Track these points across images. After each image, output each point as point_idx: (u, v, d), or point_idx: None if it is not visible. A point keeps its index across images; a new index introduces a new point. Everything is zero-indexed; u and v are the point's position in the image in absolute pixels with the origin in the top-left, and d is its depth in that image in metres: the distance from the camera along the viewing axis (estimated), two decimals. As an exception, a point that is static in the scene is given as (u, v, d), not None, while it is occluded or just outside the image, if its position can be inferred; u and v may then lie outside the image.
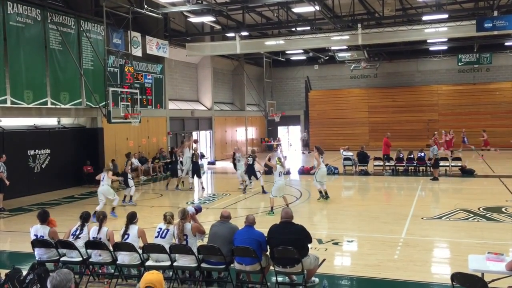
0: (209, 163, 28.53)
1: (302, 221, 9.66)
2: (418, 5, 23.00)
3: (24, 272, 6.96)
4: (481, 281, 5.55)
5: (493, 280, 6.33)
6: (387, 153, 21.65)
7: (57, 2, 18.38)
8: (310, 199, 15.54)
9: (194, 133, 28.58)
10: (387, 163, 21.70)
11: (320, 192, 14.90)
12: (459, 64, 32.36)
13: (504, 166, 21.77)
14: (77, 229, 7.76)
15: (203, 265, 7.18)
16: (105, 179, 13.12)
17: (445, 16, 21.82)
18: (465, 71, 33.86)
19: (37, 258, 7.68)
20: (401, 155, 21.44)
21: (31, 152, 17.53)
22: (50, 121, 19.08)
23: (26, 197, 16.66)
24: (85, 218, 7.87)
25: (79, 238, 7.63)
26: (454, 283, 5.67)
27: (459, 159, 21.03)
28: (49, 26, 16.98)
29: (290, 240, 6.79)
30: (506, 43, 30.63)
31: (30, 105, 16.36)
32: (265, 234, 7.12)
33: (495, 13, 19.57)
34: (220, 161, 29.42)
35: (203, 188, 17.96)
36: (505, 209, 12.89)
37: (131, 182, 15.06)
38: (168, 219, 7.55)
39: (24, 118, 17.41)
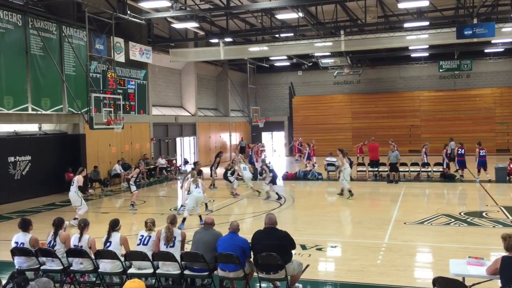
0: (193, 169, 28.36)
1: (286, 226, 9.67)
2: (399, 13, 23.31)
3: (4, 281, 6.83)
4: (462, 286, 5.61)
5: (473, 284, 6.42)
6: (375, 159, 21.66)
7: (39, 8, 18.18)
8: (294, 205, 15.57)
9: (178, 139, 28.54)
10: (370, 169, 21.83)
11: (350, 190, 16.07)
12: (440, 70, 32.84)
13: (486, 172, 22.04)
14: (51, 239, 7.62)
15: (186, 272, 7.13)
16: (75, 183, 13.12)
17: (426, 23, 22.16)
18: (446, 78, 34.39)
19: (17, 267, 7.54)
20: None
21: (11, 159, 17.24)
22: (31, 127, 18.82)
23: (6, 205, 16.37)
24: (58, 225, 7.72)
25: (55, 250, 7.48)
26: (435, 287, 5.72)
27: (440, 164, 21.27)
28: (30, 32, 16.79)
29: (274, 246, 6.78)
30: (486, 50, 31.24)
31: (10, 111, 16.12)
32: (249, 240, 7.10)
33: (475, 21, 19.92)
34: (204, 167, 29.29)
35: None
36: (486, 214, 13.09)
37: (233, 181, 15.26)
38: (149, 226, 7.50)
39: (4, 124, 17.14)
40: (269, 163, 17.42)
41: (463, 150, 19.97)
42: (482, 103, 33.51)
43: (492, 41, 26.33)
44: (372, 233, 11.34)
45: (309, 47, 24.88)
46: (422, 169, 21.15)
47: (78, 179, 13.21)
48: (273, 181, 16.28)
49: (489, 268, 5.92)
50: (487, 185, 18.70)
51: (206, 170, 21.31)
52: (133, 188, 15.73)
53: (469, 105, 33.64)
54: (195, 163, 16.18)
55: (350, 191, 16.15)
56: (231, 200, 16.60)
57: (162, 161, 24.66)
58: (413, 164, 21.67)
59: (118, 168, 21.52)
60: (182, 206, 14.56)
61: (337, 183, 20.90)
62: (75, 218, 12.78)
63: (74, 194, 13.13)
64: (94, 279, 7.62)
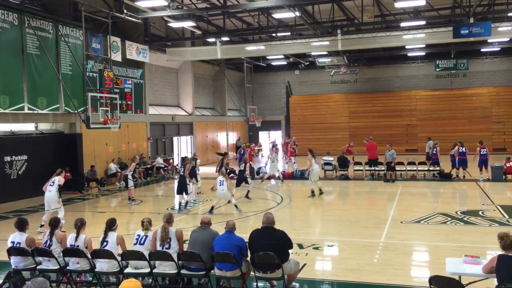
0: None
1: (283, 226, 9.67)
2: (396, 12, 23.35)
3: (0, 281, 6.81)
4: (458, 284, 5.63)
5: (470, 283, 6.42)
6: (373, 158, 21.62)
7: (35, 7, 18.13)
8: (291, 204, 15.59)
9: (175, 138, 28.56)
10: (367, 168, 21.84)
11: (312, 191, 16.20)
12: (437, 69, 32.91)
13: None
14: (47, 239, 7.60)
15: (183, 271, 7.12)
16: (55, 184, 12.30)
17: (423, 22, 22.20)
18: (442, 77, 34.46)
19: (13, 267, 7.52)
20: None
21: (7, 159, 17.19)
22: (27, 127, 18.77)
23: (3, 204, 16.34)
24: (54, 225, 7.71)
25: (51, 250, 7.45)
26: (432, 286, 5.73)
27: (432, 163, 21.29)
28: (27, 31, 16.74)
29: (271, 245, 6.79)
30: (482, 49, 31.34)
31: (7, 111, 16.08)
32: (246, 239, 7.11)
33: (471, 20, 19.97)
34: (201, 166, 29.25)
35: None
36: (482, 213, 13.12)
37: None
38: (145, 226, 7.49)
39: (0, 123, 17.08)
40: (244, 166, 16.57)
41: (463, 148, 19.94)
42: (479, 102, 33.62)
43: (489, 41, 26.41)
44: (369, 232, 11.36)
45: (306, 46, 24.89)
46: (419, 168, 21.21)
47: (59, 179, 12.40)
48: (237, 183, 15.89)
49: (485, 266, 5.93)
50: (484, 184, 18.75)
51: (202, 170, 21.38)
52: (130, 183, 15.72)
53: (465, 104, 33.74)
54: (183, 159, 16.25)
55: (313, 192, 16.29)
56: (224, 201, 16.55)
57: (160, 160, 24.65)
58: (409, 163, 21.70)
59: (114, 167, 21.48)
60: (182, 205, 14.68)
61: (334, 182, 20.99)
62: (42, 225, 11.93)
63: (54, 194, 12.18)
64: (91, 278, 7.61)
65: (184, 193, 14.78)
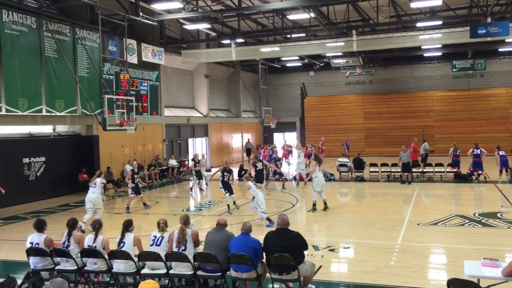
0: (206, 170, 28.45)
1: (298, 227, 9.66)
2: (412, 12, 23.14)
3: (19, 281, 6.91)
4: (477, 287, 5.55)
5: (489, 286, 6.34)
6: (415, 159, 21.25)
7: (52, 10, 18.38)
8: (307, 206, 15.53)
9: (190, 140, 28.70)
10: (382, 170, 21.67)
11: (314, 204, 14.24)
12: (454, 70, 32.55)
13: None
14: (65, 240, 7.71)
15: (199, 272, 7.15)
16: (98, 186, 13.04)
17: (439, 22, 21.98)
18: (459, 77, 34.06)
19: (32, 267, 7.63)
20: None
21: (26, 160, 17.45)
22: (45, 129, 19.02)
23: (21, 205, 16.56)
24: (71, 226, 7.81)
25: (69, 251, 7.55)
26: (450, 289, 5.66)
27: (453, 164, 21.05)
28: (44, 34, 16.97)
29: (286, 247, 6.78)
30: (500, 49, 30.89)
31: (25, 113, 16.30)
32: (261, 241, 7.10)
33: (489, 20, 19.70)
34: (217, 167, 29.34)
35: None
36: (501, 215, 12.94)
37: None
38: (161, 227, 7.54)
39: (19, 126, 17.35)
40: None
41: (478, 150, 19.64)
42: (497, 103, 33.13)
43: (506, 40, 26.00)
44: (385, 234, 11.27)
45: (320, 47, 24.82)
46: (436, 170, 20.97)
47: (101, 181, 13.30)
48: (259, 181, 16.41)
49: (505, 269, 5.85)
50: (503, 185, 18.48)
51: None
52: (129, 191, 15.64)
53: (483, 105, 33.27)
54: (241, 167, 16.83)
55: (314, 205, 14.23)
56: (243, 201, 16.60)
57: (172, 162, 24.80)
58: (426, 165, 21.48)
59: (129, 169, 21.61)
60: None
61: (349, 183, 20.88)
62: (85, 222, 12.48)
63: (98, 196, 12.99)
64: (108, 279, 7.68)
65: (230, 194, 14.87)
